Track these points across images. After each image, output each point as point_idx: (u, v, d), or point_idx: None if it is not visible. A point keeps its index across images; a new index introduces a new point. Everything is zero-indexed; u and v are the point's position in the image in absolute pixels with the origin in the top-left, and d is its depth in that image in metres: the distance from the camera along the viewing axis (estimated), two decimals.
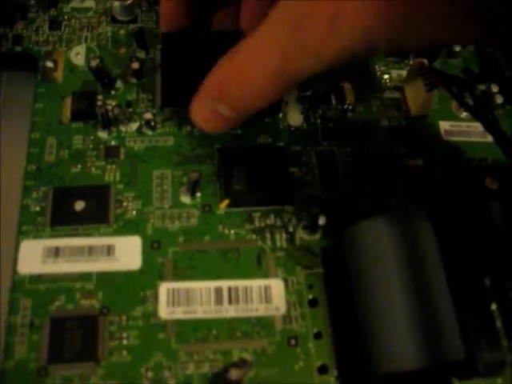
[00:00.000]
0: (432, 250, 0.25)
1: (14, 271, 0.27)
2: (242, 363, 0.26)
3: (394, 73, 0.35)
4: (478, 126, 0.32)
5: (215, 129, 0.27)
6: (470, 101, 0.30)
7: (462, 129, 0.33)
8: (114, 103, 0.31)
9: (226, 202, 0.29)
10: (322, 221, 0.28)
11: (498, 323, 0.24)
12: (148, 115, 0.31)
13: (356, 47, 0.21)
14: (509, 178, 0.27)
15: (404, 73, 0.35)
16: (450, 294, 0.24)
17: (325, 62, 0.22)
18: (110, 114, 0.31)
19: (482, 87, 0.35)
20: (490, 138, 0.31)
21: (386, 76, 0.35)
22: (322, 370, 0.26)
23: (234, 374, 0.24)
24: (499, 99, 0.34)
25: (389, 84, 0.35)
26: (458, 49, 0.36)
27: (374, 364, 0.24)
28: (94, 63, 0.31)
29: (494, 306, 0.24)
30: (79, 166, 0.30)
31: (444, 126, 0.33)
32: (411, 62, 0.35)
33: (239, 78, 0.24)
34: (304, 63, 0.23)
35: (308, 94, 0.31)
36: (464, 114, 0.34)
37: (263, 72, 0.23)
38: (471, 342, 0.23)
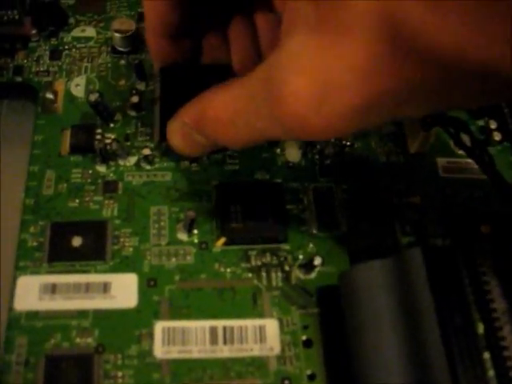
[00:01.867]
0: (425, 296, 0.25)
1: (10, 308, 0.28)
2: None
3: None
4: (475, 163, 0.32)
5: (189, 153, 0.28)
6: (467, 140, 0.30)
7: (460, 165, 0.33)
8: (112, 136, 0.32)
9: (223, 239, 0.29)
10: (317, 261, 0.28)
11: (491, 373, 0.24)
12: (146, 151, 0.31)
13: (342, 128, 0.20)
14: (504, 221, 0.27)
15: None
16: (442, 341, 0.24)
17: (302, 139, 0.21)
18: (109, 148, 0.31)
19: (480, 123, 0.35)
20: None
21: None
22: None
23: None
24: (497, 136, 0.34)
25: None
26: None
27: None
28: (93, 98, 0.31)
29: (487, 355, 0.25)
30: (77, 201, 0.31)
31: (442, 162, 0.33)
32: None
33: (213, 120, 0.24)
34: (279, 135, 0.22)
35: None
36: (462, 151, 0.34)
37: (236, 122, 0.23)
38: (458, 374, 0.23)
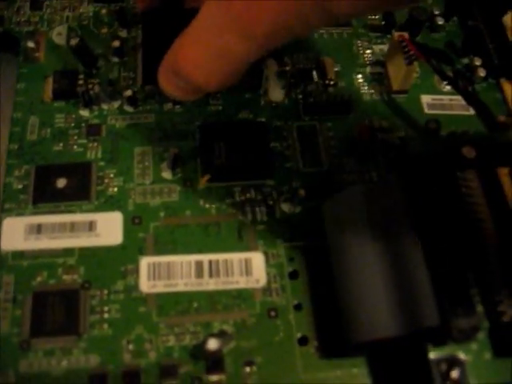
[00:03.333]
0: (407, 217, 0.25)
1: None
2: (220, 334, 0.26)
3: (377, 48, 0.35)
4: (460, 99, 0.32)
5: (180, 98, 0.28)
6: (450, 74, 0.30)
7: (444, 102, 0.33)
8: (95, 82, 0.32)
9: (207, 177, 0.29)
10: (301, 194, 0.28)
11: (474, 290, 0.24)
12: (128, 92, 0.31)
13: (287, 18, 0.21)
14: (487, 147, 0.27)
15: (386, 48, 0.35)
16: (425, 261, 0.24)
17: (260, 38, 0.22)
18: (91, 92, 0.31)
19: (465, 61, 0.35)
20: (472, 111, 0.31)
21: (368, 51, 0.35)
22: (302, 341, 0.26)
23: (211, 344, 0.24)
24: (482, 72, 0.34)
25: (371, 59, 0.35)
26: (440, 22, 0.36)
27: (352, 333, 0.24)
28: (73, 42, 0.31)
29: (470, 274, 0.25)
30: (61, 145, 0.31)
31: (426, 99, 0.33)
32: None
33: (186, 58, 0.25)
34: (241, 44, 0.23)
35: (288, 69, 0.31)
36: (446, 88, 0.34)
37: (206, 53, 0.24)
38: (446, 308, 0.23)
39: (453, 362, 0.24)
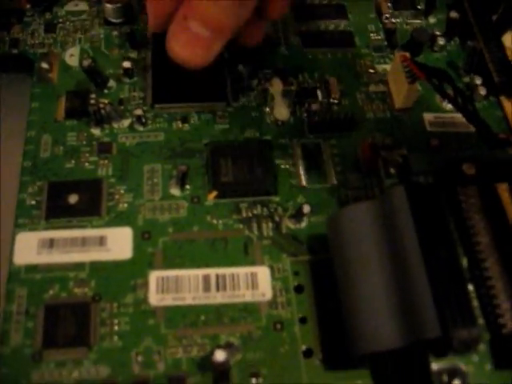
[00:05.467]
0: (409, 231, 0.25)
1: (11, 262, 0.29)
2: (227, 346, 0.26)
3: (379, 67, 0.36)
4: (461, 117, 0.33)
5: (194, 54, 0.29)
6: (451, 92, 0.31)
7: (446, 120, 0.34)
8: (106, 101, 0.33)
9: (214, 193, 0.30)
10: (306, 209, 0.29)
11: (475, 303, 0.25)
12: (138, 111, 0.32)
13: None
14: (487, 164, 0.28)
15: (388, 67, 0.36)
16: (427, 274, 0.24)
17: None
18: (103, 111, 0.32)
19: (466, 79, 0.36)
20: (473, 129, 0.32)
21: (371, 70, 0.36)
22: (307, 353, 0.27)
23: (219, 355, 0.25)
24: (482, 91, 0.34)
25: (374, 78, 0.35)
26: (442, 43, 0.37)
27: (355, 344, 0.25)
28: (86, 63, 0.32)
29: (471, 287, 0.25)
30: (73, 162, 0.32)
31: (428, 117, 0.34)
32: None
33: None
34: None
35: (293, 88, 0.32)
36: (448, 106, 0.35)
37: None
38: (447, 319, 0.23)
39: (454, 373, 0.24)
